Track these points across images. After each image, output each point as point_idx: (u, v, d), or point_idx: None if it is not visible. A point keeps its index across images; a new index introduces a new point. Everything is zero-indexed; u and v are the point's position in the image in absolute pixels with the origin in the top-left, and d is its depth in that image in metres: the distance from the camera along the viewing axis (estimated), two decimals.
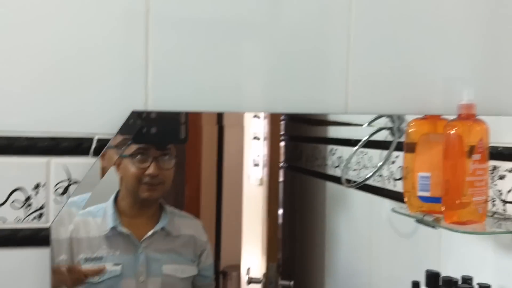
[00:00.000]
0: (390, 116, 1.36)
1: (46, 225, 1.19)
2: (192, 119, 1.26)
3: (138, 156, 1.23)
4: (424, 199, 1.29)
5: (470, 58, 1.39)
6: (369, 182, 1.42)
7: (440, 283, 1.28)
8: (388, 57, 1.35)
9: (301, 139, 1.47)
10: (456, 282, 1.28)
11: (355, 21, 1.32)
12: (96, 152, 1.21)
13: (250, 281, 1.36)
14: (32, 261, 1.19)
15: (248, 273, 1.36)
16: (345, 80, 1.33)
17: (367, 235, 1.47)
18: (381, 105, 1.34)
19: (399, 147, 1.37)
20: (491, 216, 1.31)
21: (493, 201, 1.32)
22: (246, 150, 1.35)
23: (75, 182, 1.20)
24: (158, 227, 1.26)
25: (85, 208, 1.21)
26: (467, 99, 1.23)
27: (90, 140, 1.21)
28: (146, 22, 1.22)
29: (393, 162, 1.39)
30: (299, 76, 1.31)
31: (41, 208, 1.19)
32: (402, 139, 1.36)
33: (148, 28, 1.22)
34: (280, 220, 1.38)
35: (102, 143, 1.21)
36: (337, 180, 1.45)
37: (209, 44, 1.26)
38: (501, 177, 1.31)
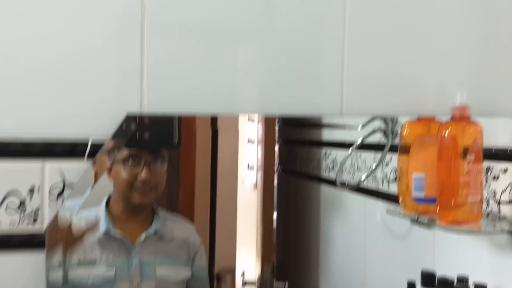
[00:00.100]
0: (383, 119, 1.37)
1: (41, 229, 1.18)
2: (186, 122, 1.26)
3: (130, 161, 1.23)
4: (418, 200, 1.29)
5: (464, 60, 1.40)
6: (363, 184, 1.42)
7: (436, 283, 1.29)
8: (383, 59, 1.36)
9: (296, 143, 1.47)
10: (452, 282, 1.28)
11: (349, 24, 1.33)
12: (91, 156, 1.20)
13: (245, 283, 1.36)
14: (27, 266, 1.18)
15: (243, 275, 1.36)
16: (340, 82, 1.33)
17: (361, 237, 1.48)
18: (375, 107, 1.35)
19: (393, 149, 1.38)
20: (486, 216, 1.32)
21: (488, 202, 1.32)
22: (241, 154, 1.36)
23: (70, 186, 1.20)
24: (151, 230, 1.26)
25: (79, 212, 1.21)
26: (461, 100, 1.23)
27: (85, 143, 1.20)
28: (142, 26, 1.22)
29: (387, 164, 1.39)
30: (294, 79, 1.31)
31: (35, 212, 1.18)
32: (396, 142, 1.37)
33: (143, 31, 1.22)
34: (274, 223, 1.39)
35: (97, 147, 1.20)
36: (331, 183, 1.45)
37: (204, 48, 1.26)
38: (495, 178, 1.32)
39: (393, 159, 1.38)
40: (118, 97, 1.22)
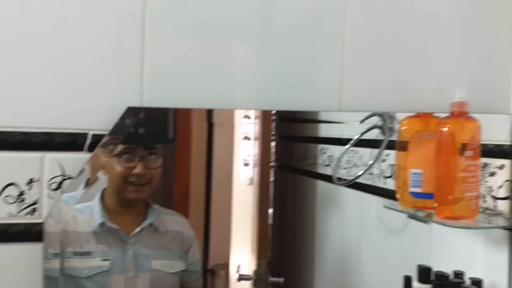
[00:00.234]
0: (381, 115, 1.37)
1: (39, 220, 1.18)
2: (182, 116, 1.27)
3: (125, 156, 1.23)
4: (416, 195, 1.30)
5: (462, 57, 1.41)
6: (360, 180, 1.43)
7: (432, 277, 1.30)
8: (382, 55, 1.36)
9: (292, 139, 1.48)
10: (447, 276, 1.30)
11: (349, 20, 1.34)
12: (91, 148, 1.20)
13: (241, 278, 1.36)
14: (24, 256, 1.18)
15: (238, 270, 1.36)
16: (340, 78, 1.34)
17: (357, 232, 1.49)
18: (374, 103, 1.36)
19: (390, 145, 1.39)
20: (482, 212, 1.33)
21: (484, 198, 1.34)
22: (236, 149, 1.36)
23: (69, 178, 1.20)
24: (146, 223, 1.26)
25: (77, 204, 1.21)
26: (460, 97, 1.24)
27: (84, 135, 1.20)
28: (142, 22, 1.23)
29: (384, 160, 1.40)
30: (294, 74, 1.32)
31: (34, 203, 1.18)
32: (393, 138, 1.38)
33: (144, 27, 1.23)
34: (270, 219, 1.39)
35: (97, 139, 1.20)
36: (327, 178, 1.46)
37: (203, 44, 1.26)
38: (492, 174, 1.34)
39: (390, 156, 1.39)
40: (118, 90, 1.22)
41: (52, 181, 1.19)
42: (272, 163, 1.39)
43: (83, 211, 1.23)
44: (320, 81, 1.33)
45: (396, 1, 1.37)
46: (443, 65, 1.40)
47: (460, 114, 1.24)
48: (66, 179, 1.19)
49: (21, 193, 1.17)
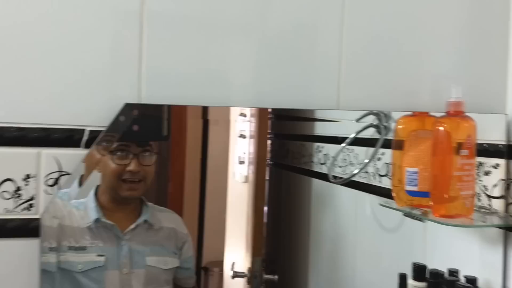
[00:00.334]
0: (377, 114, 1.38)
1: (36, 216, 1.18)
2: (177, 113, 1.27)
3: (119, 153, 1.23)
4: (412, 193, 1.30)
5: (458, 56, 1.42)
6: (355, 178, 1.44)
7: (427, 275, 1.31)
8: (379, 54, 1.37)
9: (288, 137, 1.48)
10: (442, 274, 1.30)
11: (347, 18, 1.35)
12: (88, 144, 1.20)
13: (235, 275, 1.36)
14: (21, 251, 1.18)
15: (232, 267, 1.36)
16: (337, 76, 1.35)
17: (352, 230, 1.49)
18: (372, 101, 1.37)
19: (385, 144, 1.39)
20: (477, 210, 1.34)
21: (479, 196, 1.35)
22: (232, 146, 1.36)
23: (66, 174, 1.20)
24: (141, 219, 1.27)
25: (73, 200, 1.21)
26: (456, 96, 1.25)
27: (81, 131, 1.20)
28: (141, 18, 1.23)
29: (379, 159, 1.41)
30: (290, 72, 1.32)
31: (31, 199, 1.18)
32: (389, 137, 1.38)
33: (142, 24, 1.23)
34: (265, 217, 1.39)
35: (94, 135, 1.20)
36: (323, 177, 1.46)
37: (200, 41, 1.26)
38: (487, 173, 1.35)
39: (386, 154, 1.39)
40: (115, 87, 1.22)
41: (49, 177, 1.19)
42: (267, 161, 1.39)
43: (78, 207, 1.23)
44: (317, 80, 1.33)
45: (394, 2, 1.38)
46: (439, 64, 1.41)
47: (456, 113, 1.24)
48: (63, 175, 1.20)
49: (18, 189, 1.17)
